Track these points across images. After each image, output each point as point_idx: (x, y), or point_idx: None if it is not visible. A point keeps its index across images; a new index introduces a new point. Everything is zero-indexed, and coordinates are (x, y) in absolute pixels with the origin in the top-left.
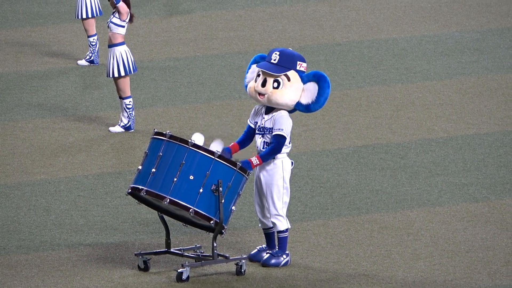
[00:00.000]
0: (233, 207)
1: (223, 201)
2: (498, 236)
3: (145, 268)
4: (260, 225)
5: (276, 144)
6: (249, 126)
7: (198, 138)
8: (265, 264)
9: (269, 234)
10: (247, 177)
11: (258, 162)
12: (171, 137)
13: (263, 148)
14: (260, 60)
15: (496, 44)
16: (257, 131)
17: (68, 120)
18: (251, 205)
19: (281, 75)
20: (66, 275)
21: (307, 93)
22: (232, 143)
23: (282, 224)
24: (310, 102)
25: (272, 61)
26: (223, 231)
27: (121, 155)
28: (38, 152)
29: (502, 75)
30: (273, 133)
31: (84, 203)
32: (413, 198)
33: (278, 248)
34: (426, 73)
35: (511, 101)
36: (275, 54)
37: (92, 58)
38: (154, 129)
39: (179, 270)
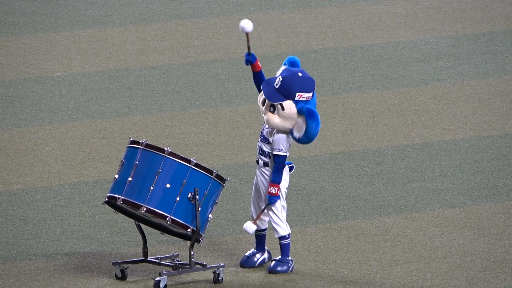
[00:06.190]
0: (210, 215)
1: (199, 209)
2: (475, 242)
3: (122, 277)
4: None
5: (277, 164)
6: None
7: (249, 226)
8: (273, 271)
9: (260, 236)
10: (224, 185)
11: (277, 188)
12: (147, 145)
13: (260, 153)
14: (287, 64)
15: (472, 49)
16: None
17: (44, 130)
18: (228, 213)
19: (276, 104)
20: (43, 285)
21: (299, 126)
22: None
23: (283, 230)
24: (298, 136)
25: (274, 84)
26: (200, 239)
27: (97, 164)
28: (14, 162)
29: (477, 81)
30: (273, 152)
31: (61, 213)
32: (390, 204)
33: (282, 255)
34: (402, 79)
35: (486, 107)
36: (279, 79)
37: None
38: (130, 138)
39: (156, 279)
